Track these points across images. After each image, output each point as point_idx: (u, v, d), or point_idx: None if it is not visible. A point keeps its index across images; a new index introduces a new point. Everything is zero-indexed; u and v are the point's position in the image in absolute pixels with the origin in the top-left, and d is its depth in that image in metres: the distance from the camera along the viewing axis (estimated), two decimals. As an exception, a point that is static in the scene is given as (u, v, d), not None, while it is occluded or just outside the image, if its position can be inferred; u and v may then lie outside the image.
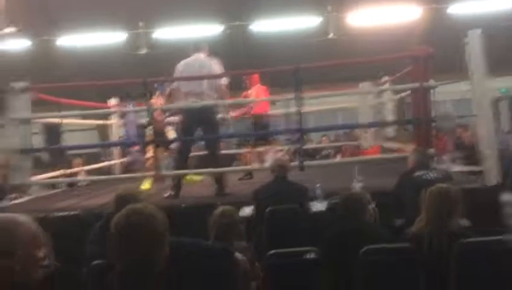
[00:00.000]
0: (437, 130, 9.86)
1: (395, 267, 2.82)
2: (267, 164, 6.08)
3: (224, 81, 5.75)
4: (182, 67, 5.75)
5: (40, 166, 10.06)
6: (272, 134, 7.56)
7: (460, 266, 2.75)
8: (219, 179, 5.58)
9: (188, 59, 5.80)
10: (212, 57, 5.87)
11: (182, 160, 5.73)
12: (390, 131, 8.51)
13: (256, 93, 6.94)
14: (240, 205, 4.60)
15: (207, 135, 5.80)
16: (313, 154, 10.05)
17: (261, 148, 7.12)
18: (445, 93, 10.95)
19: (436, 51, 8.42)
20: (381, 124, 7.68)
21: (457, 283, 2.75)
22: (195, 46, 5.88)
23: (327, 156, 9.83)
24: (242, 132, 7.88)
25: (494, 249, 2.80)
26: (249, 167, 7.04)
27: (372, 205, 3.59)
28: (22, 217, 1.74)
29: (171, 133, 7.13)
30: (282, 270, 2.82)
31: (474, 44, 5.00)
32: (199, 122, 5.66)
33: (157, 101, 6.79)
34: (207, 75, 5.63)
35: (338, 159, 9.26)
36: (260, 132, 7.00)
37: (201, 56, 5.79)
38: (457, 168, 6.57)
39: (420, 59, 5.43)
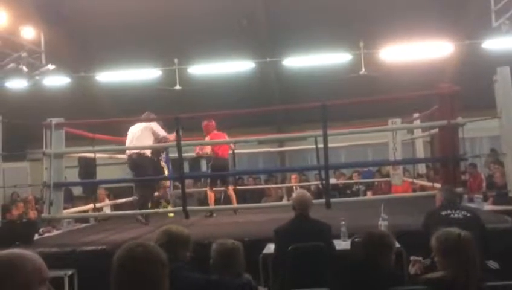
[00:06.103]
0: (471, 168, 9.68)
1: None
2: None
3: None
4: None
5: (73, 199, 10.31)
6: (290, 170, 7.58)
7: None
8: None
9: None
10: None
11: None
12: (421, 168, 8.38)
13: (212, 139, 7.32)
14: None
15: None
16: (343, 190, 9.97)
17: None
18: (483, 130, 10.79)
19: (471, 87, 8.28)
20: (408, 161, 7.55)
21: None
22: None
23: (357, 193, 9.72)
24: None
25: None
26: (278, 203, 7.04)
27: (396, 245, 3.50)
28: (29, 253, 1.73)
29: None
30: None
31: (503, 81, 4.93)
32: None
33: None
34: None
35: (368, 195, 9.14)
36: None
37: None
38: (489, 207, 6.40)
39: (446, 97, 5.37)
